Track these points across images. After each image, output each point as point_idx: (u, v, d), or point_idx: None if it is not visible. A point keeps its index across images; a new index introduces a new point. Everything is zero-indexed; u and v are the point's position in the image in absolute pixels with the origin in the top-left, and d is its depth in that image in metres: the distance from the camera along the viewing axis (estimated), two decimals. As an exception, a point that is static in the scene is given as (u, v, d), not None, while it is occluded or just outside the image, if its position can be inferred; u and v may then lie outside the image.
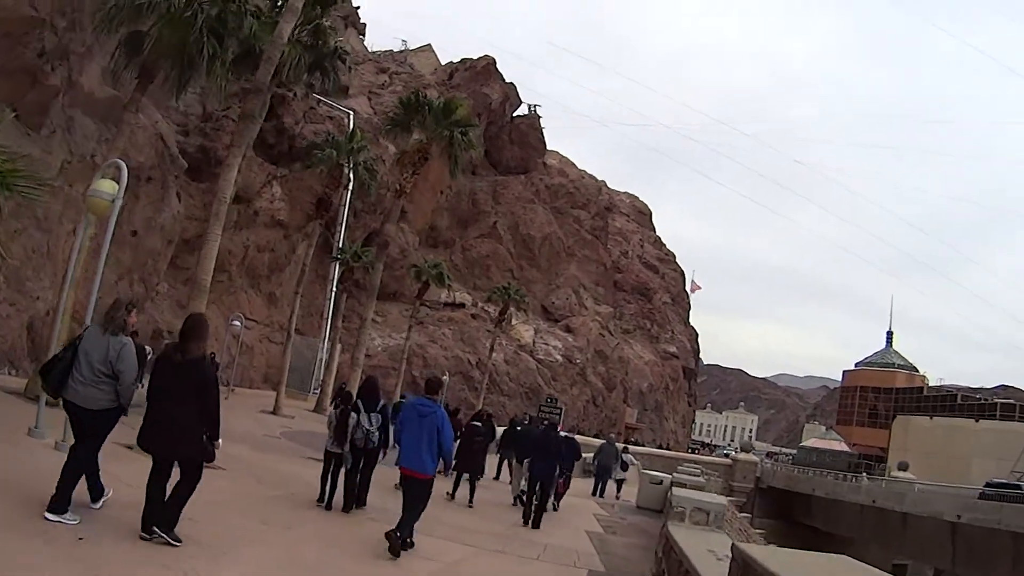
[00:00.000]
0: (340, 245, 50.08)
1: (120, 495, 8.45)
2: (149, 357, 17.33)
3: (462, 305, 66.57)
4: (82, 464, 7.70)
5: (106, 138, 22.34)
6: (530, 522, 15.06)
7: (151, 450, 7.58)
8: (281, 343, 36.95)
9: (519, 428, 22.37)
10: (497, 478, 23.35)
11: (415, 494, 10.02)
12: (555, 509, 17.70)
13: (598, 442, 31.29)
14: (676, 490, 10.52)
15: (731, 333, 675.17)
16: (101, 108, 22.83)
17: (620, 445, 30.41)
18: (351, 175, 41.53)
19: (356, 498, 12.33)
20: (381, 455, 12.40)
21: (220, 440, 7.84)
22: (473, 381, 57.76)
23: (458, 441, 16.95)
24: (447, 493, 16.80)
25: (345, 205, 53.83)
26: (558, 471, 16.39)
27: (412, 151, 23.01)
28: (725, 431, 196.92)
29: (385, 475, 12.92)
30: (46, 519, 7.29)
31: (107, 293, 26.54)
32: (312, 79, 22.01)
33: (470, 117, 24.01)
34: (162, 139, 26.10)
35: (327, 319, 51.37)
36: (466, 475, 17.36)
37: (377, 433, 11.91)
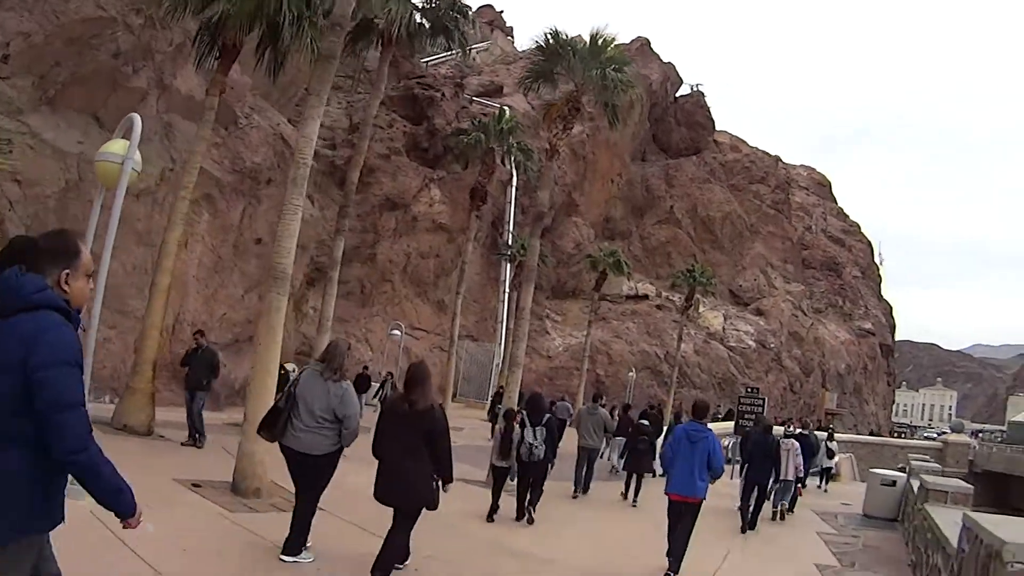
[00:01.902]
0: (509, 242, 47.83)
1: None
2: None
3: (645, 296, 62.76)
4: (310, 511, 7.71)
5: (215, 142, 20.58)
6: (745, 528, 14.66)
7: (389, 503, 7.29)
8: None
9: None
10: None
11: (686, 518, 9.94)
12: (791, 511, 17.33)
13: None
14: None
15: (920, 306, 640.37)
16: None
17: (822, 433, 28.07)
18: (511, 168, 39.15)
19: (526, 514, 12.37)
20: (549, 469, 12.73)
21: (453, 483, 7.55)
22: (662, 376, 54.09)
23: (624, 440, 19.22)
24: (621, 494, 17.33)
25: (511, 202, 51.72)
26: (783, 476, 16.15)
27: (561, 103, 19.65)
28: (923, 410, 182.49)
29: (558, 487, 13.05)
30: (282, 561, 7.53)
31: (233, 308, 24.97)
32: (435, 43, 19.54)
33: (624, 55, 20.30)
34: (283, 139, 24.07)
35: (502, 322, 49.13)
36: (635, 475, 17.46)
37: (542, 447, 12.13)
